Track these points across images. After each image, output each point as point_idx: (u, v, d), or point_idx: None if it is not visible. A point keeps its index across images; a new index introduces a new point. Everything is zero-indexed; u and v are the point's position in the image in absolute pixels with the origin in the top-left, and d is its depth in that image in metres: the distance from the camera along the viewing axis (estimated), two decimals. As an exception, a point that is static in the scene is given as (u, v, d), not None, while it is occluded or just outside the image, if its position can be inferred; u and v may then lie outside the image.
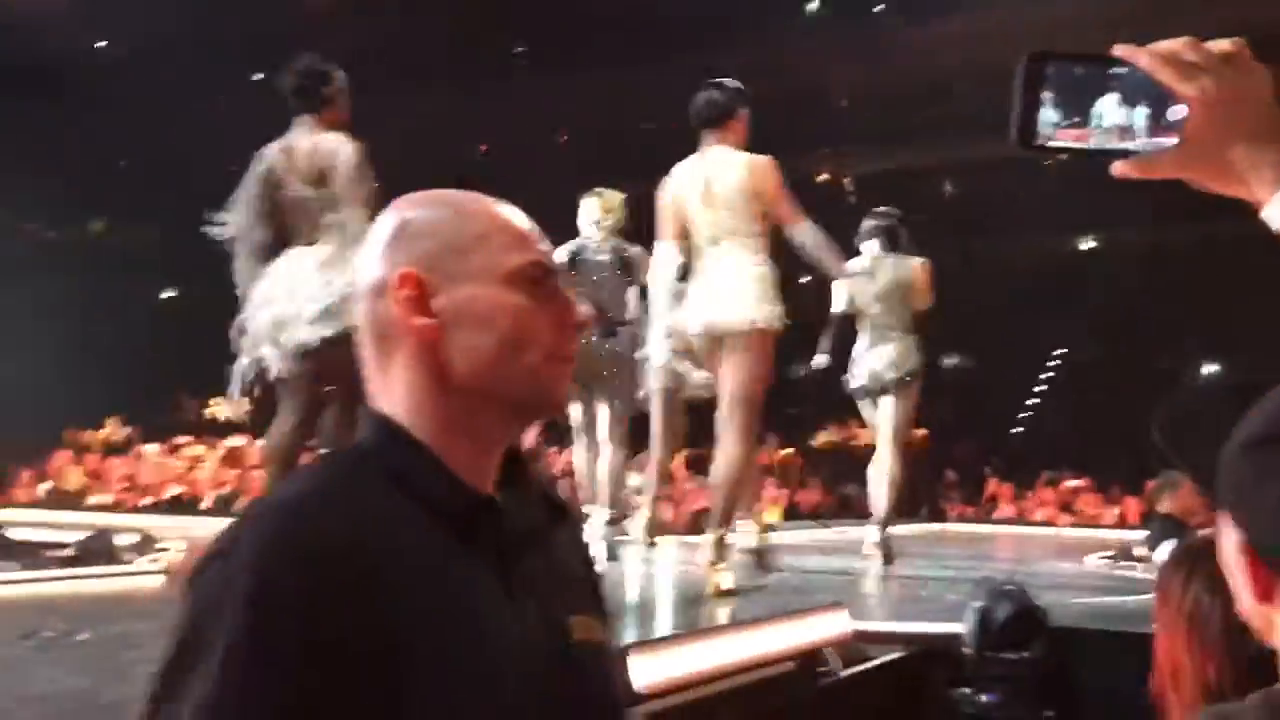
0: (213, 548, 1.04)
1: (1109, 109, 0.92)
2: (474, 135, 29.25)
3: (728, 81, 5.17)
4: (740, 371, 4.71)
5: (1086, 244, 23.78)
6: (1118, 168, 0.93)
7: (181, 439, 12.43)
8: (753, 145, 5.02)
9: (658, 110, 27.58)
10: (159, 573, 5.18)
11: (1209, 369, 19.92)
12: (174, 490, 10.96)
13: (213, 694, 0.96)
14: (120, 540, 5.62)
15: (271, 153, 4.62)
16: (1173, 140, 0.91)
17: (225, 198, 4.64)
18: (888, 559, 6.33)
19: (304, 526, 1.03)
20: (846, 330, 6.69)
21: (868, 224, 6.82)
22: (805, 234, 4.86)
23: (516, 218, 1.18)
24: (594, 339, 5.55)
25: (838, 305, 6.61)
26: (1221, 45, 0.94)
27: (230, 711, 0.96)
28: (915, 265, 6.72)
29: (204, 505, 10.51)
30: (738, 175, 4.85)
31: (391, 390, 1.12)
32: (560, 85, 26.11)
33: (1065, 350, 20.74)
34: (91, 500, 10.65)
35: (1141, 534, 6.18)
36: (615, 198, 6.11)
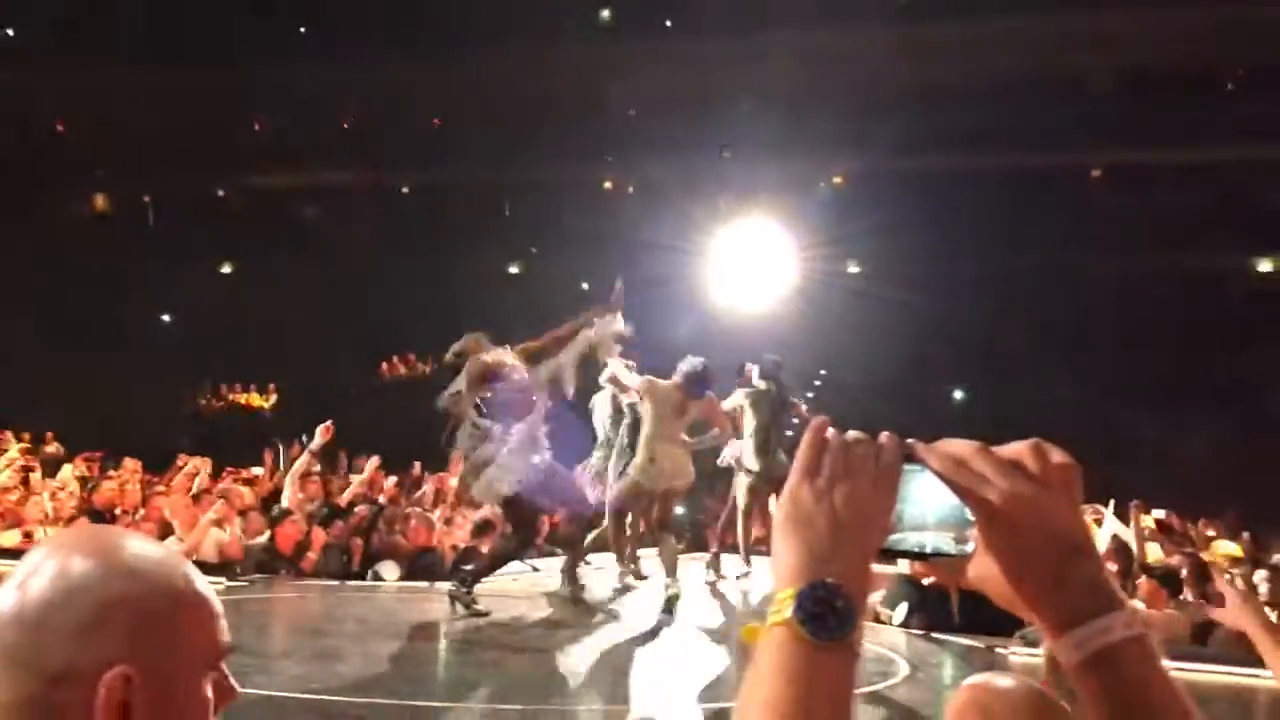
0: None
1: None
2: (250, 110, 28.27)
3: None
4: None
5: (855, 268, 24.62)
6: (918, 568, 0.81)
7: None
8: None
9: (442, 102, 27.05)
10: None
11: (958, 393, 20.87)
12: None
13: None
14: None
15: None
16: (970, 544, 0.84)
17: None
18: None
19: None
20: None
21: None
22: None
23: (210, 591, 1.01)
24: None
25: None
26: (1016, 451, 0.82)
27: None
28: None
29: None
30: None
31: None
32: (344, 70, 25.50)
33: (825, 371, 21.36)
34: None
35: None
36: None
